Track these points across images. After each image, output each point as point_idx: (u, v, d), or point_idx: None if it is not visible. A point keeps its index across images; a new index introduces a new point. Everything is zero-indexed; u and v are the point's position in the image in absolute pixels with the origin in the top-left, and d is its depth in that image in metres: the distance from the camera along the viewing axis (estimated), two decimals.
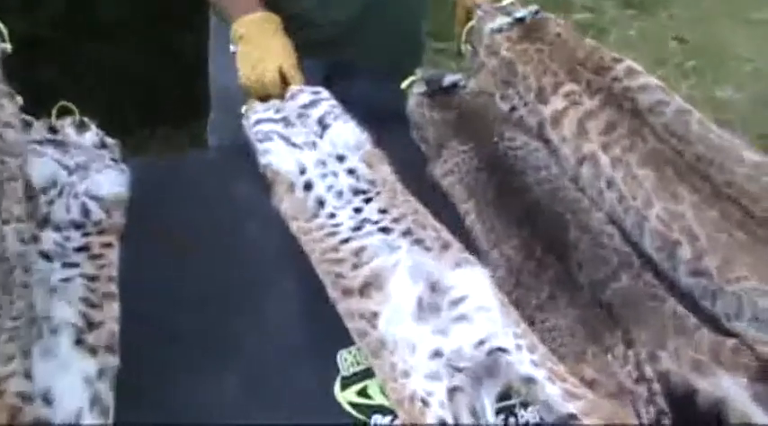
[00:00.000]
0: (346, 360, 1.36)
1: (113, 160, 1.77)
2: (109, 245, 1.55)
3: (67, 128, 1.81)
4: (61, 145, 1.73)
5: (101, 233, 1.57)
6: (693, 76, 3.93)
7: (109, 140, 1.82)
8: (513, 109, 1.83)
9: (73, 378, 1.28)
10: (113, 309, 1.42)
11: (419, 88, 1.90)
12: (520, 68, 1.81)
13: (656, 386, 1.28)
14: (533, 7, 1.90)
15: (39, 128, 1.78)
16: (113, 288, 1.46)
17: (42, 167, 1.64)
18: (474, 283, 1.35)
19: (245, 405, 1.32)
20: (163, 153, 3.18)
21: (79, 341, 1.33)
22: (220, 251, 1.60)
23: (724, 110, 3.45)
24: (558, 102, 1.72)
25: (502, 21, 1.90)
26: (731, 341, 1.32)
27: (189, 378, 1.35)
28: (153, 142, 3.33)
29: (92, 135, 1.82)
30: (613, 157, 1.60)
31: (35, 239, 1.49)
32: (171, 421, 1.29)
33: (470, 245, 1.55)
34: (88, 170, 1.68)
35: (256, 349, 1.39)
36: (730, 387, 1.26)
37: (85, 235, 1.55)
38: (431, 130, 1.83)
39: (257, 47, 1.85)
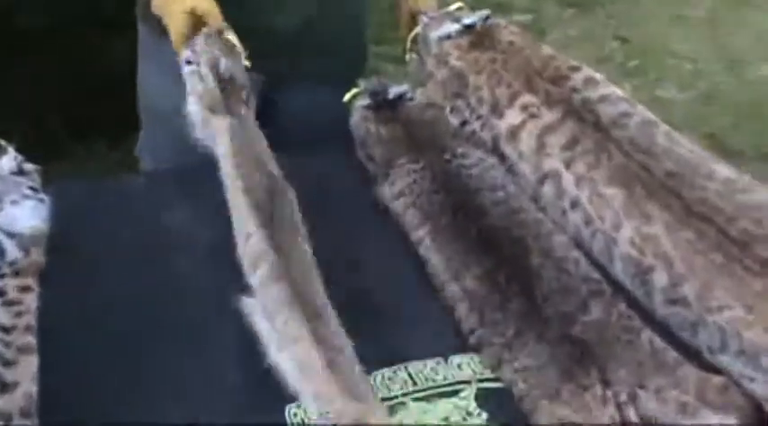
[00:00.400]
0: (296, 416, 1.20)
1: (32, 189, 1.58)
2: (26, 289, 1.38)
3: None
4: None
5: (17, 274, 1.40)
6: (636, 76, 3.84)
7: (27, 166, 1.63)
8: (464, 123, 1.70)
9: None
10: (30, 364, 1.25)
11: (363, 101, 1.75)
12: (471, 79, 1.67)
13: None
14: (483, 12, 1.76)
15: None
16: (31, 339, 1.29)
17: None
18: None
19: None
20: (101, 172, 2.95)
21: None
22: (152, 288, 1.42)
23: (668, 110, 3.36)
24: (514, 115, 1.59)
25: (450, 28, 1.76)
26: (718, 379, 1.19)
27: None
28: (90, 161, 3.11)
29: (8, 160, 1.63)
30: (577, 175, 1.47)
31: None
32: None
33: (425, 279, 1.41)
34: (2, 203, 1.50)
35: (200, 399, 1.22)
36: None
37: (0, 277, 1.37)
38: (377, 148, 1.68)
39: None
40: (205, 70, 1.60)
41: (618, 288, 1.37)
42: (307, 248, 1.38)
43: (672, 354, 1.24)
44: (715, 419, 1.15)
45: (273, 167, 1.50)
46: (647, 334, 1.27)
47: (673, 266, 1.31)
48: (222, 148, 1.51)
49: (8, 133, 1.66)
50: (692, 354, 1.26)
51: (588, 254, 1.43)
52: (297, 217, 1.43)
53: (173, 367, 1.28)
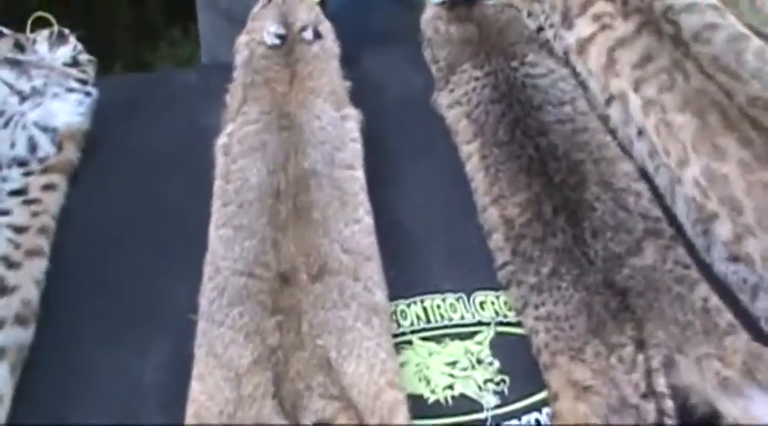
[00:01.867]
0: None
1: (81, 82, 1.48)
2: (51, 188, 1.30)
3: (40, 43, 1.53)
4: (18, 65, 1.45)
5: (45, 171, 1.32)
6: None
7: (83, 57, 1.54)
8: (540, 29, 1.48)
9: None
10: (36, 269, 1.18)
11: None
12: None
13: (669, 405, 0.96)
14: None
15: (4, 44, 1.50)
16: (42, 242, 1.22)
17: None
18: None
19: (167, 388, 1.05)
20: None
21: None
22: (183, 200, 1.30)
23: None
24: (585, 26, 1.37)
25: None
26: None
27: (109, 355, 1.08)
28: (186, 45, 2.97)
29: (66, 50, 1.54)
30: (646, 98, 1.25)
31: None
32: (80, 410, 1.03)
33: (466, 199, 1.23)
34: (44, 96, 1.42)
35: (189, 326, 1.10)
36: (765, 415, 0.93)
37: (27, 174, 1.30)
38: (444, 49, 1.50)
39: None
40: None
41: (680, 231, 1.16)
42: None
43: (726, 318, 1.03)
44: (760, 401, 0.94)
45: None
46: (701, 290, 1.06)
47: (741, 216, 1.10)
48: None
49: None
50: (749, 322, 1.05)
51: (654, 188, 1.21)
52: None
53: (178, 286, 1.14)
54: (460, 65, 1.43)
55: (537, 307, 1.09)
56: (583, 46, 1.36)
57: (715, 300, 1.05)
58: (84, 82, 1.50)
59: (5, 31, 1.55)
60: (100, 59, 1.61)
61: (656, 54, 1.27)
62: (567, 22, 1.39)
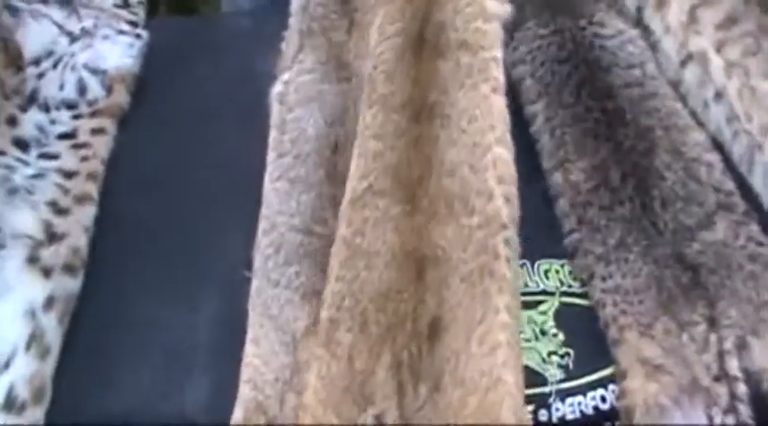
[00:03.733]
0: None
1: (131, 23, 1.44)
2: (100, 131, 1.26)
3: None
4: (68, 4, 1.40)
5: (94, 115, 1.29)
6: None
7: None
8: None
9: (13, 308, 1.00)
10: (85, 216, 1.15)
11: None
12: None
13: (742, 389, 0.92)
14: None
15: None
16: (91, 188, 1.18)
17: (38, 33, 1.36)
18: None
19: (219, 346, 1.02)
20: None
21: (32, 259, 1.05)
22: (233, 142, 1.25)
23: None
24: None
25: None
26: None
27: (158, 308, 1.05)
28: None
29: None
30: (729, 61, 1.19)
31: (12, 122, 1.19)
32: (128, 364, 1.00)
33: (532, 161, 1.18)
34: (94, 37, 1.38)
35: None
36: None
37: (76, 117, 1.27)
38: (509, 3, 1.41)
39: None
40: None
41: (754, 205, 1.10)
42: None
43: None
44: None
45: None
46: None
47: None
48: None
49: None
50: None
51: (726, 159, 1.15)
52: None
53: (231, 242, 1.10)
54: (525, 21, 1.36)
55: (604, 279, 1.04)
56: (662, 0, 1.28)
57: None
58: (134, 24, 1.45)
59: None
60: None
61: (742, 17, 1.22)
62: None
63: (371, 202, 1.04)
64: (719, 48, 1.20)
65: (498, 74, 1.14)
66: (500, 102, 1.11)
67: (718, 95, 1.19)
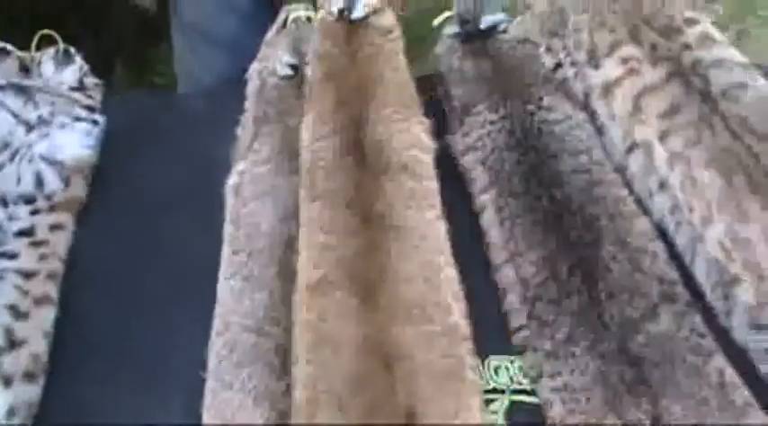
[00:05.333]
0: None
1: (88, 108, 1.48)
2: (58, 227, 1.30)
3: (46, 63, 1.52)
4: (24, 91, 1.44)
5: (52, 209, 1.32)
6: None
7: (89, 81, 1.54)
8: (558, 65, 1.47)
9: None
10: (44, 320, 1.19)
11: (451, 28, 1.54)
12: (573, 18, 1.44)
13: None
14: None
15: (9, 65, 1.49)
16: (50, 288, 1.23)
17: None
18: None
19: None
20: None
21: None
22: (189, 236, 1.30)
23: None
24: (612, 68, 1.36)
25: None
26: None
27: (120, 415, 1.09)
28: None
29: (72, 72, 1.53)
30: (672, 151, 1.25)
31: None
32: None
33: (481, 253, 1.24)
34: (50, 125, 1.42)
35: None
36: None
37: (34, 213, 1.30)
38: (458, 87, 1.48)
39: None
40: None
41: (696, 294, 1.16)
42: None
43: (742, 394, 1.04)
44: None
45: None
46: (717, 362, 1.07)
47: (764, 282, 1.10)
48: None
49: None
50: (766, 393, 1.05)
51: (669, 248, 1.21)
52: None
53: (192, 328, 1.15)
54: (475, 105, 1.42)
55: (552, 377, 1.09)
56: (608, 88, 1.35)
57: (731, 373, 1.06)
58: (91, 108, 1.49)
59: (9, 47, 1.53)
60: (102, 59, 1.60)
61: (684, 106, 1.27)
62: (594, 61, 1.38)
63: (329, 291, 1.10)
64: (663, 138, 1.26)
65: (438, 202, 1.21)
66: (444, 229, 1.19)
67: (662, 185, 1.25)
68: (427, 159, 1.27)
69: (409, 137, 1.27)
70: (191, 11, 1.77)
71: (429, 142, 1.30)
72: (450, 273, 1.13)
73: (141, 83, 2.49)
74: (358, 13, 1.42)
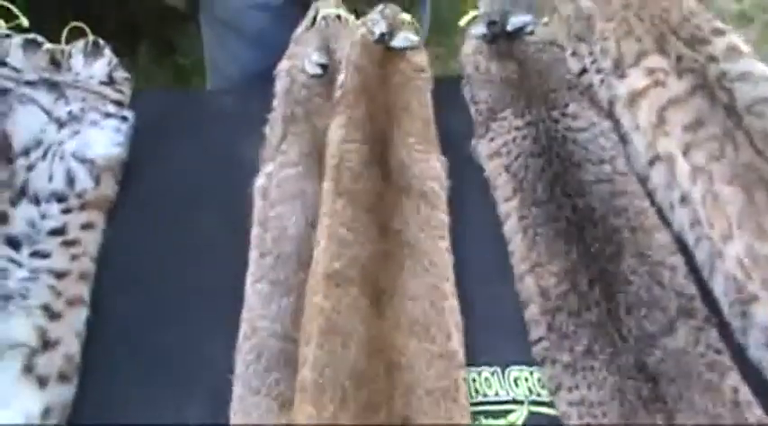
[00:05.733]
0: None
1: (117, 104, 1.51)
2: (89, 227, 1.34)
3: (75, 56, 1.55)
4: (56, 87, 1.47)
5: (83, 207, 1.36)
6: None
7: (118, 75, 1.57)
8: (583, 71, 1.49)
9: (12, 417, 1.08)
10: (77, 320, 1.22)
11: (478, 29, 1.56)
12: (599, 25, 1.45)
13: None
14: None
15: (39, 59, 1.52)
16: (82, 289, 1.26)
17: (28, 121, 1.42)
18: None
19: None
20: None
21: (28, 369, 1.13)
22: (218, 236, 1.34)
23: None
24: (637, 78, 1.38)
25: None
26: None
27: (147, 416, 1.13)
28: None
29: (102, 65, 1.56)
30: (694, 165, 1.27)
31: (3, 219, 1.27)
32: None
33: (504, 261, 1.27)
34: (81, 122, 1.45)
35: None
36: None
37: (65, 211, 1.34)
38: (484, 89, 1.51)
39: None
40: None
41: (713, 310, 1.19)
42: None
43: (756, 413, 1.07)
44: None
45: None
46: (732, 379, 1.10)
47: None
48: None
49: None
50: None
51: (689, 261, 1.24)
52: None
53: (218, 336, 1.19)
54: (501, 110, 1.44)
55: (570, 390, 1.13)
56: (634, 99, 1.37)
57: (745, 391, 1.09)
58: (120, 103, 1.52)
59: (40, 39, 1.56)
60: (126, 40, 1.62)
61: (708, 120, 1.28)
62: (620, 70, 1.40)
63: (344, 285, 1.15)
64: (686, 152, 1.28)
65: (447, 235, 1.27)
66: (450, 262, 1.24)
67: (684, 199, 1.28)
68: (443, 194, 1.32)
69: (429, 168, 1.33)
70: (221, 6, 1.79)
71: (445, 179, 1.35)
72: (453, 303, 1.18)
73: (165, 63, 2.52)
74: (397, 42, 1.47)
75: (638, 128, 1.36)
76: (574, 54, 1.51)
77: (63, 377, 1.15)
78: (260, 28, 1.68)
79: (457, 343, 1.14)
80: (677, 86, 1.34)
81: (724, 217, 1.21)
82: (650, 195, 1.33)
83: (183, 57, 2.54)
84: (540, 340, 1.19)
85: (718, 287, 1.21)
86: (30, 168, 1.36)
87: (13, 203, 1.31)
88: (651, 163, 1.34)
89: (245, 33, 1.80)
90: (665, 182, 1.31)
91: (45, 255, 1.26)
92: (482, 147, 1.44)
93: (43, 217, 1.32)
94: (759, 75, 1.32)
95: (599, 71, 1.45)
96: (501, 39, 1.55)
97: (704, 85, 1.32)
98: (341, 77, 1.43)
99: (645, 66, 1.38)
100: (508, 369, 1.18)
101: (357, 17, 1.57)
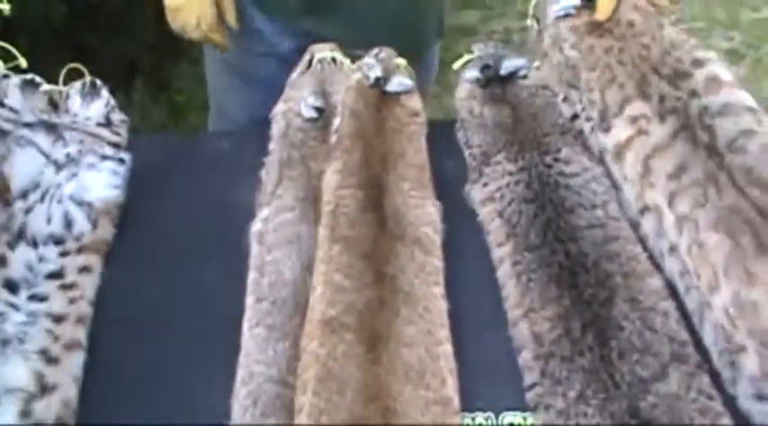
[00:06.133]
0: None
1: (114, 146, 1.53)
2: (86, 270, 1.35)
3: (73, 97, 1.57)
4: (54, 129, 1.50)
5: (80, 251, 1.37)
6: None
7: (116, 117, 1.59)
8: (575, 116, 1.51)
9: None
10: (74, 365, 1.24)
11: (471, 73, 1.59)
12: (584, 76, 1.49)
13: None
14: None
15: (38, 100, 1.54)
16: (80, 333, 1.28)
17: (26, 164, 1.44)
18: None
19: None
20: None
21: (25, 414, 1.14)
22: (215, 281, 1.36)
23: None
24: (622, 129, 1.41)
25: (570, 1, 1.55)
26: None
27: None
28: None
29: (99, 106, 1.59)
30: (679, 214, 1.29)
31: (1, 262, 1.29)
32: None
33: (497, 306, 1.29)
34: (79, 165, 1.46)
35: None
36: None
37: (63, 254, 1.35)
38: (478, 134, 1.54)
39: None
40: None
41: (706, 357, 1.21)
42: None
43: None
44: None
45: None
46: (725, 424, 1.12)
47: None
48: None
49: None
50: None
51: (680, 306, 1.26)
52: None
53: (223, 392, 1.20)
54: (494, 155, 1.47)
55: None
56: (620, 151, 1.40)
57: None
58: (117, 145, 1.54)
59: (38, 79, 1.59)
60: (122, 76, 1.65)
61: (691, 164, 1.30)
62: (605, 123, 1.43)
63: (339, 331, 1.17)
64: (671, 201, 1.30)
65: (442, 281, 1.29)
66: (445, 308, 1.26)
67: (672, 249, 1.30)
68: (437, 239, 1.34)
69: (423, 214, 1.35)
70: (230, 51, 1.81)
71: (439, 224, 1.37)
72: (448, 349, 1.20)
73: (160, 100, 2.55)
74: (392, 87, 1.49)
75: (627, 179, 1.39)
76: (565, 100, 1.54)
77: (61, 423, 1.16)
78: (267, 74, 1.70)
79: (452, 389, 1.15)
80: (660, 132, 1.36)
81: (710, 267, 1.22)
82: (642, 241, 1.35)
83: (179, 94, 2.58)
84: (533, 385, 1.21)
85: (708, 336, 1.23)
86: (28, 211, 1.38)
87: (11, 246, 1.33)
88: (641, 212, 1.36)
89: (253, 79, 1.83)
90: (655, 232, 1.34)
91: (43, 299, 1.28)
92: (475, 192, 1.46)
93: (41, 260, 1.33)
94: (740, 105, 1.34)
95: (588, 119, 1.48)
96: (494, 83, 1.58)
97: (687, 126, 1.34)
98: (336, 121, 1.46)
99: (628, 114, 1.40)
100: (502, 415, 1.20)
101: (352, 61, 1.59)
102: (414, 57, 1.61)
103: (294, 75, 1.62)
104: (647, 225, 1.35)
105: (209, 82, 1.98)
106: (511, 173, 1.44)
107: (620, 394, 1.15)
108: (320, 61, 1.62)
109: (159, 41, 2.37)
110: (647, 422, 1.12)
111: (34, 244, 1.35)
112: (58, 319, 1.26)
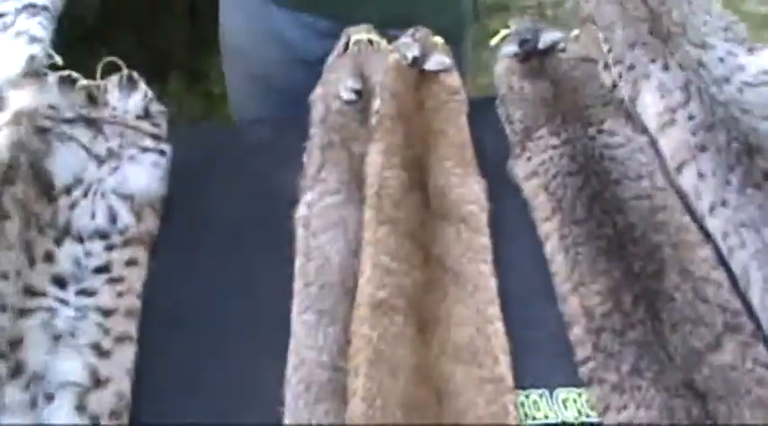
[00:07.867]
0: None
1: (154, 138, 1.55)
2: (133, 263, 1.37)
3: (111, 91, 1.59)
4: (94, 123, 1.52)
5: (126, 244, 1.39)
6: None
7: (155, 108, 1.61)
8: (616, 84, 1.51)
9: None
10: (126, 358, 1.26)
11: (509, 48, 1.59)
12: (619, 32, 1.48)
13: None
14: None
15: (76, 95, 1.56)
16: (130, 326, 1.29)
17: (69, 160, 1.46)
18: None
19: None
20: None
21: (80, 407, 1.17)
22: (262, 269, 1.38)
23: None
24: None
25: None
26: None
27: None
28: None
29: (137, 99, 1.60)
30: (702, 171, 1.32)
31: (49, 258, 1.31)
32: None
33: (546, 283, 1.29)
34: (120, 159, 1.48)
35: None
36: None
37: (108, 248, 1.37)
38: (519, 109, 1.54)
39: None
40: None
41: (758, 324, 1.21)
42: None
43: None
44: None
45: None
46: None
47: None
48: None
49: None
50: None
51: (732, 275, 1.26)
52: None
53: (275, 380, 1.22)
54: (537, 129, 1.47)
55: (619, 411, 1.15)
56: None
57: None
58: (157, 137, 1.56)
59: (75, 75, 1.61)
60: (156, 69, 1.66)
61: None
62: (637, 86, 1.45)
63: (390, 314, 1.18)
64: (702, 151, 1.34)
65: (490, 259, 1.30)
66: (494, 286, 1.26)
67: (712, 208, 1.31)
68: (483, 217, 1.35)
69: (467, 192, 1.35)
70: (254, 60, 1.82)
71: (485, 201, 1.37)
72: (499, 327, 1.21)
73: (196, 92, 2.58)
74: (430, 65, 1.50)
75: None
76: (606, 66, 1.53)
77: (114, 415, 1.18)
78: (297, 82, 1.69)
79: (504, 367, 1.17)
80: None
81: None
82: (688, 207, 1.35)
83: (215, 85, 2.59)
84: (586, 360, 1.21)
85: (755, 298, 1.24)
86: (72, 206, 1.40)
87: (58, 242, 1.35)
88: (678, 169, 1.38)
89: (282, 88, 1.84)
90: (694, 192, 1.35)
91: (91, 293, 1.30)
92: (519, 168, 1.47)
93: (87, 254, 1.36)
94: None
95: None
96: (533, 57, 1.58)
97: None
98: (376, 103, 1.47)
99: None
100: (556, 391, 1.21)
101: (389, 42, 1.60)
102: (449, 37, 1.61)
103: (331, 58, 1.63)
104: (686, 182, 1.35)
105: (231, 93, 1.99)
106: (554, 147, 1.44)
107: (674, 366, 1.15)
108: (356, 43, 1.63)
109: (192, 34, 2.39)
110: (702, 394, 1.12)
111: (80, 240, 1.37)
112: (108, 313, 1.28)
